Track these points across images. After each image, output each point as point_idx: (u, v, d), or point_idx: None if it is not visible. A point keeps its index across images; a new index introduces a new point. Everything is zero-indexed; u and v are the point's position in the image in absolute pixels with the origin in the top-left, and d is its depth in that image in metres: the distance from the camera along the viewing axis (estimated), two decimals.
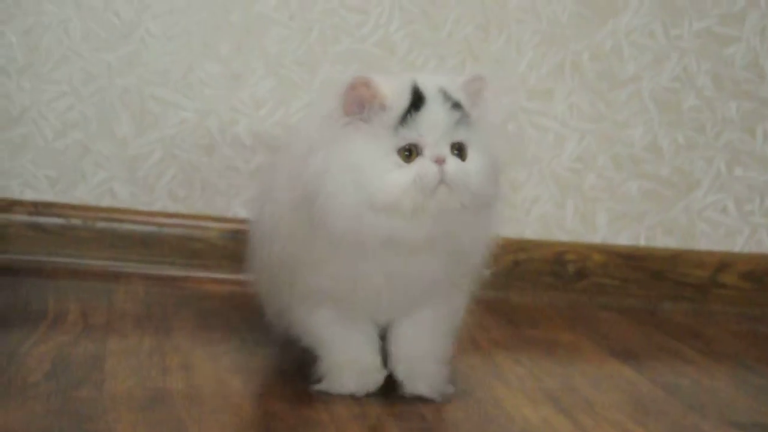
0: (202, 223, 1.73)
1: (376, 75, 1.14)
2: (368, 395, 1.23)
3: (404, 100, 1.12)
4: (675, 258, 1.87)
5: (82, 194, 1.73)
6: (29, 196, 1.72)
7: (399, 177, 1.10)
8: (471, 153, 1.14)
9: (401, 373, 1.22)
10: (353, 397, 1.22)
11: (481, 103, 1.16)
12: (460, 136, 1.13)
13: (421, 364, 1.23)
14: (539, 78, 1.82)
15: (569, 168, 1.84)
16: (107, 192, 1.73)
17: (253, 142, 1.75)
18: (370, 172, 1.10)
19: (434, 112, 1.12)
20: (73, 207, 1.72)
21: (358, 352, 1.21)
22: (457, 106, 1.13)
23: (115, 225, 1.72)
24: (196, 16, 1.73)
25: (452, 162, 1.12)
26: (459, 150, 1.13)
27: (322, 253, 1.14)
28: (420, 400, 1.24)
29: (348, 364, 1.21)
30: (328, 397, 1.23)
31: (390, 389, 1.26)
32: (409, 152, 1.12)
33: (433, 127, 1.12)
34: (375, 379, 1.21)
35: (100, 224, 1.72)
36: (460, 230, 1.14)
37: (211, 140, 1.75)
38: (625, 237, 1.86)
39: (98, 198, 1.73)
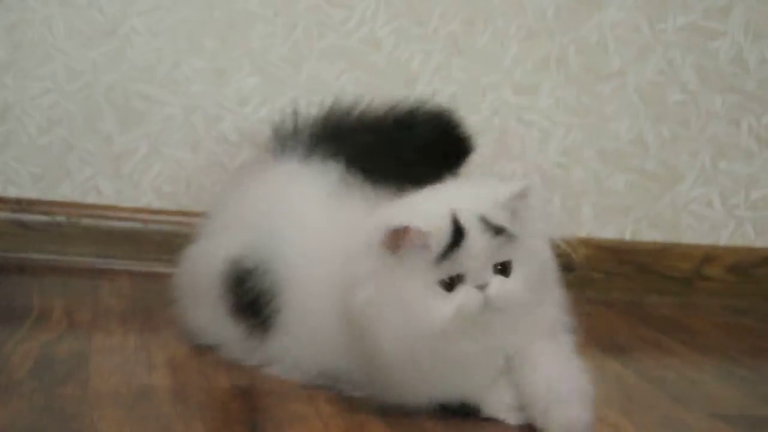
0: (188, 220, 1.73)
1: (413, 214, 1.13)
2: (355, 389, 1.23)
3: (445, 239, 1.11)
4: (660, 251, 1.88)
5: (66, 191, 1.72)
6: (13, 193, 1.72)
7: (442, 307, 1.12)
8: (515, 267, 1.14)
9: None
10: (339, 392, 1.22)
11: (529, 213, 1.15)
12: (503, 256, 1.13)
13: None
14: (525, 72, 1.83)
15: (555, 162, 1.85)
16: (92, 189, 1.73)
17: (239, 139, 1.75)
18: (416, 306, 1.12)
19: (475, 245, 1.12)
20: (58, 204, 1.72)
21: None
22: (499, 231, 1.13)
23: (101, 222, 1.72)
24: (180, 12, 1.73)
25: (495, 284, 1.13)
26: (502, 268, 1.14)
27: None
28: None
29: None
30: (313, 393, 1.22)
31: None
32: (451, 281, 1.12)
33: (474, 257, 1.12)
34: None
35: (85, 221, 1.72)
36: (512, 329, 1.16)
37: (196, 137, 1.75)
38: (610, 230, 1.86)
39: (83, 195, 1.72)
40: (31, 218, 1.71)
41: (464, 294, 1.12)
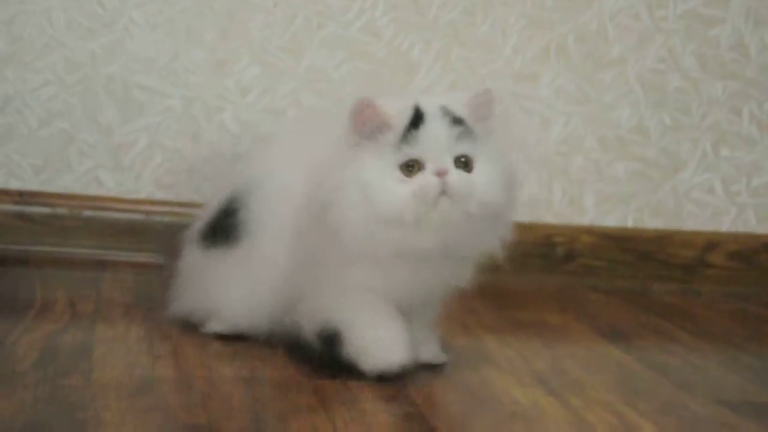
0: (189, 211, 1.72)
1: (380, 97, 1.19)
2: (358, 380, 1.23)
3: (405, 119, 1.17)
4: (663, 239, 1.87)
5: (67, 183, 1.72)
6: (14, 185, 1.71)
7: (400, 190, 1.16)
8: (478, 165, 1.18)
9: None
10: (341, 381, 1.22)
11: (489, 117, 1.20)
12: (463, 149, 1.18)
13: (425, 338, 1.30)
14: (525, 61, 1.82)
15: (556, 151, 1.84)
16: (93, 180, 1.73)
17: (240, 129, 1.75)
18: (375, 187, 1.16)
19: (434, 128, 1.17)
20: (59, 196, 1.72)
21: (399, 330, 1.24)
22: (458, 121, 1.18)
23: (102, 213, 1.72)
24: (179, 4, 1.73)
25: (455, 174, 1.17)
26: (465, 163, 1.18)
27: (343, 260, 1.21)
28: (410, 385, 1.24)
29: (393, 340, 1.24)
30: (316, 382, 1.22)
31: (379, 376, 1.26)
32: (411, 167, 1.17)
33: (433, 142, 1.17)
34: (404, 359, 1.24)
35: (87, 213, 1.72)
36: (468, 239, 1.20)
37: (197, 127, 1.74)
38: (612, 218, 1.86)
39: (84, 186, 1.72)
40: (32, 210, 1.71)
41: (422, 178, 1.16)
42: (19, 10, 1.69)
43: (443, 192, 1.15)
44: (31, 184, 1.72)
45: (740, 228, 1.89)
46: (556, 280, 1.82)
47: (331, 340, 1.24)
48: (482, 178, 1.18)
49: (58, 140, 1.72)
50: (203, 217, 1.39)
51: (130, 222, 1.72)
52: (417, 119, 1.17)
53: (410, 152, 1.16)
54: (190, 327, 1.38)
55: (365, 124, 1.18)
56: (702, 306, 1.75)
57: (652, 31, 1.85)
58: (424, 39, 1.79)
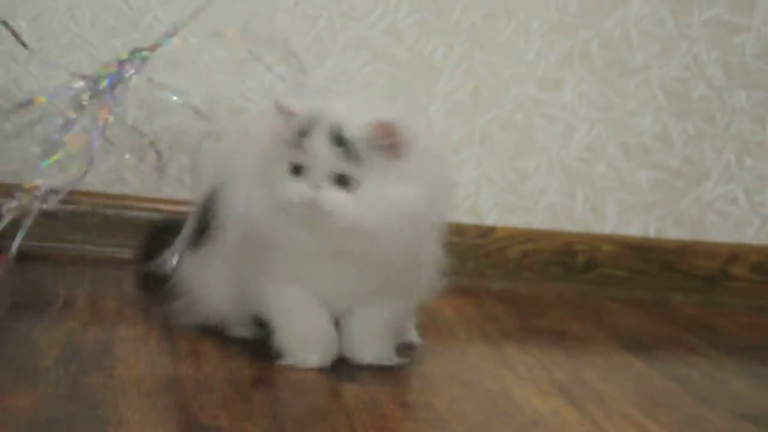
0: None
1: (302, 99, 1.24)
2: (378, 383, 1.23)
3: (296, 126, 1.22)
4: (685, 249, 1.87)
5: (91, 181, 1.72)
6: (38, 181, 1.71)
7: (281, 186, 1.22)
8: (363, 187, 1.20)
9: (350, 348, 1.31)
10: (361, 385, 1.22)
11: (393, 146, 1.20)
12: (344, 168, 1.20)
13: (367, 339, 1.32)
14: (548, 67, 1.82)
15: (578, 158, 1.84)
16: (117, 179, 1.73)
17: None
18: (269, 175, 1.24)
19: (316, 142, 1.20)
20: (83, 194, 1.72)
21: (319, 328, 1.29)
22: (342, 141, 1.20)
23: (125, 212, 1.72)
24: (203, 3, 1.73)
25: (326, 189, 1.21)
26: (342, 181, 1.21)
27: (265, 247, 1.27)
28: (430, 391, 1.24)
29: (311, 338, 1.29)
30: (336, 385, 1.22)
31: (400, 378, 1.26)
32: (299, 169, 1.22)
33: (313, 155, 1.20)
34: (333, 352, 1.30)
35: (110, 211, 1.72)
36: (362, 251, 1.23)
37: (220, 127, 1.74)
38: (634, 227, 1.86)
39: (108, 185, 1.72)
40: (56, 207, 1.71)
41: (297, 184, 1.21)
42: (44, 7, 1.69)
43: (312, 201, 1.21)
44: (55, 182, 1.72)
45: (763, 239, 1.88)
46: (576, 289, 1.82)
47: (264, 326, 1.30)
48: (353, 202, 1.20)
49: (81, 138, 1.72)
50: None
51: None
52: (304, 130, 1.21)
53: (297, 157, 1.21)
54: (210, 327, 1.38)
55: (278, 120, 1.23)
56: (724, 318, 1.74)
57: (676, 38, 1.84)
58: (446, 43, 1.79)
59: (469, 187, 1.81)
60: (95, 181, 1.72)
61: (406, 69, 1.78)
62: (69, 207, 1.71)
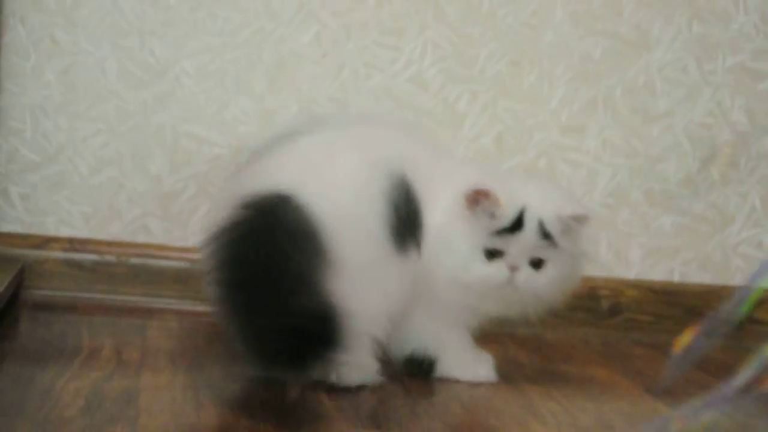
0: None
1: (495, 184, 1.36)
2: (398, 427, 1.23)
3: (507, 221, 1.36)
4: (709, 294, 1.86)
5: (116, 230, 1.74)
6: (65, 232, 1.74)
7: (478, 269, 1.38)
8: (548, 265, 1.39)
9: None
10: (378, 428, 1.23)
11: (576, 235, 1.40)
12: (541, 254, 1.38)
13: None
14: (572, 114, 1.82)
15: (602, 203, 1.84)
16: (141, 228, 1.74)
17: None
18: (459, 256, 1.38)
19: (526, 237, 1.37)
20: (108, 243, 1.74)
21: (475, 350, 1.48)
22: (547, 235, 1.37)
23: (149, 261, 1.74)
24: (229, 54, 1.75)
25: (524, 271, 1.38)
26: (537, 263, 1.39)
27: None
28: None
29: (474, 357, 1.47)
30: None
31: (425, 424, 1.25)
32: (492, 254, 1.38)
33: (521, 245, 1.37)
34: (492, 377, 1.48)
35: (134, 260, 1.73)
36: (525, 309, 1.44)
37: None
38: (659, 272, 1.85)
39: (132, 234, 1.74)
40: (81, 257, 1.73)
41: (497, 267, 1.38)
42: (74, 61, 1.72)
43: (509, 281, 1.38)
44: (81, 232, 1.74)
45: None
46: (600, 334, 1.81)
47: (421, 362, 1.44)
48: (545, 279, 1.39)
49: (108, 188, 1.74)
50: None
51: (177, 270, 1.74)
52: (516, 226, 1.36)
53: (497, 244, 1.37)
54: (234, 375, 1.38)
55: (477, 205, 1.36)
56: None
57: (700, 84, 1.85)
58: (470, 90, 1.80)
59: None
60: (120, 231, 1.74)
61: (431, 116, 1.80)
62: (94, 256, 1.73)
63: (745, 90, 1.85)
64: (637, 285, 1.84)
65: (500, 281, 1.38)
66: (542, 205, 1.38)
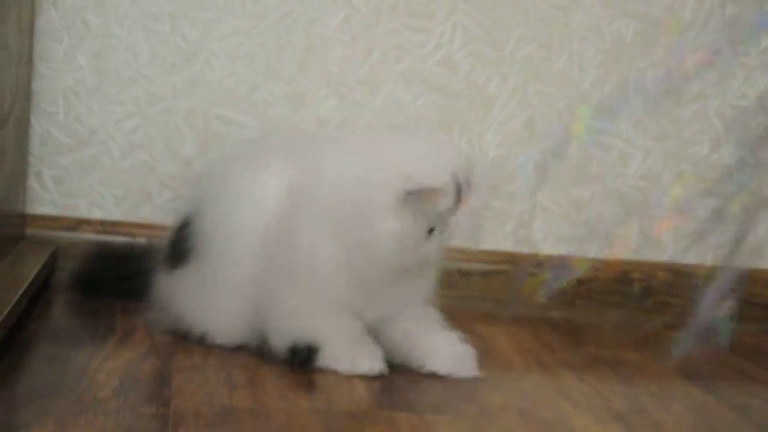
0: None
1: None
2: (433, 412, 1.23)
3: (444, 200, 1.33)
4: (743, 277, 1.84)
5: (147, 213, 1.75)
6: (97, 215, 1.75)
7: (426, 247, 1.35)
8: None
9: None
10: (416, 413, 1.22)
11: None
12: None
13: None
14: (603, 96, 1.81)
15: (634, 186, 1.83)
16: (172, 211, 1.75)
17: None
18: (404, 240, 1.34)
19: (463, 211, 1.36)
20: (139, 225, 1.74)
21: (366, 341, 1.39)
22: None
23: None
24: (259, 37, 1.75)
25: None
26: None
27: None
28: (486, 420, 1.23)
29: (357, 348, 1.37)
30: (393, 415, 1.22)
31: (455, 407, 1.25)
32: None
33: (449, 220, 1.35)
34: (382, 368, 1.38)
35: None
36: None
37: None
38: (691, 256, 1.84)
39: (163, 217, 1.75)
40: (113, 240, 1.74)
41: (434, 242, 1.35)
42: (106, 45, 1.73)
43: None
44: (113, 214, 1.75)
45: None
46: (633, 317, 1.80)
47: (305, 352, 1.37)
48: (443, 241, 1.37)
49: (139, 171, 1.75)
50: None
51: None
52: (453, 205, 1.33)
53: (435, 221, 1.34)
54: (267, 356, 1.38)
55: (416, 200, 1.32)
56: None
57: (733, 66, 1.83)
58: (500, 73, 1.80)
59: (522, 216, 1.80)
60: (151, 214, 1.74)
61: (460, 99, 1.79)
62: (125, 239, 1.73)
63: None
64: (669, 268, 1.83)
65: (439, 253, 1.38)
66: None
